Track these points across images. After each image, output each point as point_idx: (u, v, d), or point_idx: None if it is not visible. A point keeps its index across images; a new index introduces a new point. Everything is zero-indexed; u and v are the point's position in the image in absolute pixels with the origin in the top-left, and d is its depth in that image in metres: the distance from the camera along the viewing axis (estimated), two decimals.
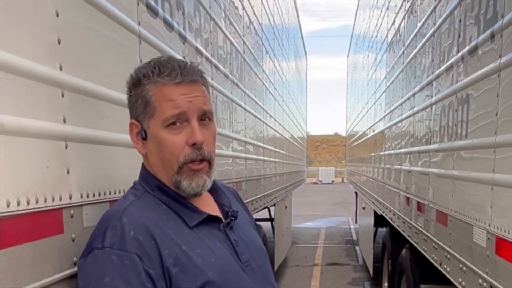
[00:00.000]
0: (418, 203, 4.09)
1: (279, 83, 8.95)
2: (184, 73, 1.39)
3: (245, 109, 5.01)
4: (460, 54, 2.92)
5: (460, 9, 2.97)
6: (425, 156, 3.92)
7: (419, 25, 4.29)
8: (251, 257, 1.49)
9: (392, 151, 5.88)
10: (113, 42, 1.78)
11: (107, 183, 1.68)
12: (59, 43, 1.39)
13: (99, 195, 1.61)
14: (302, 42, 16.49)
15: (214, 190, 1.57)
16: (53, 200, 1.34)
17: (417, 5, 4.49)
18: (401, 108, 5.22)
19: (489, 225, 2.33)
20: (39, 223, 1.29)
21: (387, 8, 6.75)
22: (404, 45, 5.13)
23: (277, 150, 8.17)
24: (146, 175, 1.48)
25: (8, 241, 1.16)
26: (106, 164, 1.71)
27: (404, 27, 5.20)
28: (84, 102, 1.55)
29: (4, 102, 1.15)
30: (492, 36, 2.36)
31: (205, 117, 1.43)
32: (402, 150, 5.10)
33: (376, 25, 8.14)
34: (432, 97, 3.71)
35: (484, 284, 2.38)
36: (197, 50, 3.04)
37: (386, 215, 6.20)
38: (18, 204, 1.19)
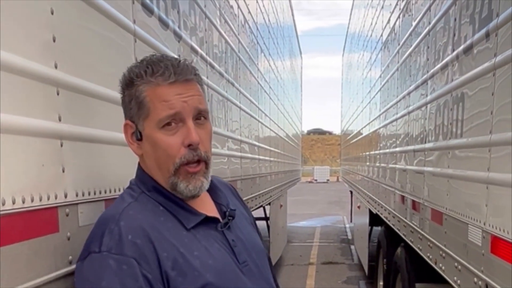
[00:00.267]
0: (413, 201, 4.10)
1: (274, 82, 8.96)
2: (178, 72, 1.37)
3: (240, 108, 5.01)
4: (455, 53, 2.92)
5: (455, 8, 2.97)
6: (420, 155, 3.92)
7: (414, 24, 4.30)
8: (249, 256, 1.48)
9: (387, 150, 5.89)
10: (108, 40, 1.78)
11: (102, 182, 1.68)
12: (54, 41, 1.39)
13: (95, 193, 1.61)
14: (297, 41, 16.50)
15: (211, 189, 1.55)
16: (48, 199, 1.34)
17: (412, 4, 4.50)
18: (396, 107, 5.23)
19: (484, 224, 2.33)
20: (35, 222, 1.29)
21: (382, 7, 6.76)
22: (399, 44, 5.14)
23: (272, 149, 8.17)
24: (142, 176, 1.46)
25: (4, 240, 1.15)
26: (102, 162, 1.70)
27: (399, 26, 5.21)
28: (79, 101, 1.54)
29: None
30: (487, 35, 2.36)
31: (200, 116, 1.41)
32: (397, 149, 5.11)
33: (371, 24, 8.15)
34: (427, 96, 3.72)
35: (480, 282, 2.38)
36: (192, 48, 3.03)
37: (381, 214, 6.21)
38: (14, 203, 1.19)
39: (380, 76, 6.75)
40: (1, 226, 1.14)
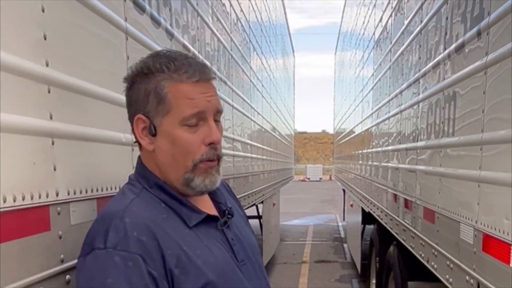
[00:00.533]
0: (406, 200, 4.11)
1: (266, 80, 8.96)
2: (202, 71, 1.39)
3: (232, 106, 5.01)
4: (446, 51, 2.93)
5: (447, 6, 2.98)
6: (412, 153, 3.94)
7: (406, 22, 4.31)
8: (246, 255, 1.48)
9: (380, 149, 5.90)
10: (100, 38, 1.77)
11: (94, 180, 1.67)
12: (45, 38, 1.38)
13: (86, 192, 1.60)
14: (289, 39, 16.50)
15: None
16: (39, 197, 1.33)
17: (404, 3, 4.51)
18: (388, 105, 5.25)
19: (476, 222, 2.35)
20: (26, 220, 1.28)
21: (374, 6, 6.77)
22: (391, 43, 5.15)
23: (265, 147, 8.18)
24: (144, 171, 1.44)
25: None
26: (93, 161, 1.70)
27: (391, 25, 5.22)
28: (71, 99, 1.53)
29: None
30: (479, 33, 2.37)
31: (218, 116, 1.43)
32: (390, 148, 5.13)
33: (364, 22, 8.17)
34: (419, 94, 3.73)
35: (471, 280, 2.40)
36: (184, 46, 3.02)
37: (374, 212, 6.23)
38: (5, 201, 1.18)
39: (373, 75, 6.76)
40: None
